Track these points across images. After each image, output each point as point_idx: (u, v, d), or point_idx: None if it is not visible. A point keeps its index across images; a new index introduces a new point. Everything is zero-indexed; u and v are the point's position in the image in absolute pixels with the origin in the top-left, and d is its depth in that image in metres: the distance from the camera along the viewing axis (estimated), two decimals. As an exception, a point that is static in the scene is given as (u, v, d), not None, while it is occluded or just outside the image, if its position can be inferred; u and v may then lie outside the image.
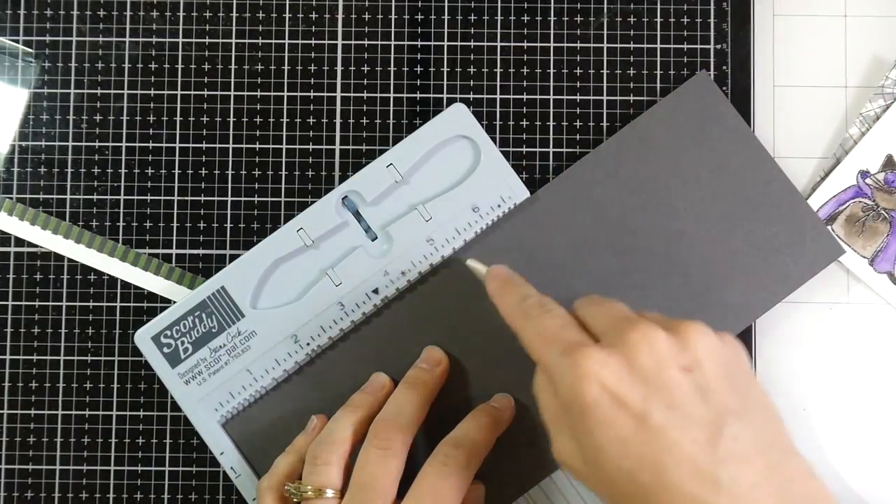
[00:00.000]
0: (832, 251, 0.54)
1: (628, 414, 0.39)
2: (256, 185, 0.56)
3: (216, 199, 0.56)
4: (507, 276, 0.49)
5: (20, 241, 0.56)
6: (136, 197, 0.56)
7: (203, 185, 0.56)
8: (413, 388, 0.51)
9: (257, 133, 0.56)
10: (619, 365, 0.40)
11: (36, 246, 0.56)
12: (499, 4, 0.57)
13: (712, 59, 0.56)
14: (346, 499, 0.47)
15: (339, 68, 0.57)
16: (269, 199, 0.56)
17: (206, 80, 0.57)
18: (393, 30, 0.57)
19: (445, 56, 0.57)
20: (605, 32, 0.57)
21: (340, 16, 0.57)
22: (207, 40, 0.57)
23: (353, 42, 0.57)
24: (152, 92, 0.57)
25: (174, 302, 0.55)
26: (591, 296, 0.46)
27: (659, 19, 0.57)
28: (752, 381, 0.42)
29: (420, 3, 0.57)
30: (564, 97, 0.57)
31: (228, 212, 0.56)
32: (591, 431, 0.39)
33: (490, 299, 0.48)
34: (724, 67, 0.56)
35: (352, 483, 0.47)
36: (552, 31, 0.57)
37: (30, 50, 0.57)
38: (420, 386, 0.51)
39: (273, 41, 0.57)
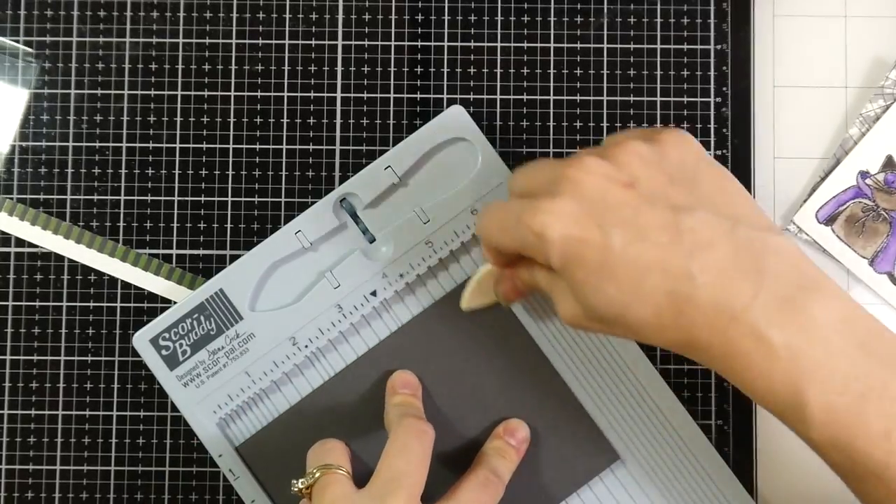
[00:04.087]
0: (609, 457, 0.53)
1: (593, 247, 0.41)
2: (256, 186, 0.56)
3: (216, 199, 0.56)
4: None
5: (20, 241, 0.56)
6: (136, 197, 0.56)
7: (203, 185, 0.56)
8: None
9: (257, 133, 0.57)
10: (569, 206, 0.41)
11: (36, 246, 0.56)
12: (499, 4, 0.57)
13: (712, 59, 0.56)
14: (368, 487, 0.46)
15: (339, 68, 0.57)
16: (269, 199, 0.56)
17: (206, 80, 0.57)
18: (393, 30, 0.57)
19: (445, 56, 0.57)
20: (605, 32, 0.57)
21: (340, 16, 0.57)
22: (207, 40, 0.57)
23: (353, 42, 0.57)
24: (152, 92, 0.57)
25: (174, 302, 0.55)
26: (519, 168, 0.47)
27: (659, 19, 0.57)
28: (703, 169, 0.44)
29: (420, 4, 0.57)
30: (564, 97, 0.57)
31: (228, 212, 0.56)
32: (573, 273, 0.41)
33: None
34: (724, 67, 0.56)
35: (376, 474, 0.47)
36: (552, 32, 0.57)
37: (30, 50, 0.57)
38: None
39: (273, 41, 0.57)
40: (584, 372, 0.54)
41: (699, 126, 0.56)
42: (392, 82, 0.57)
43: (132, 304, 0.56)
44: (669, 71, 0.57)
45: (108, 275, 0.56)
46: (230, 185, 0.56)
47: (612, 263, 0.41)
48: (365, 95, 0.57)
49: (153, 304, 0.56)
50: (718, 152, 0.56)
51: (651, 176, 0.42)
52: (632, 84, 0.57)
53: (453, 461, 0.52)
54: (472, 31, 0.57)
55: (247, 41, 0.57)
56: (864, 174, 0.55)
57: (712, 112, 0.56)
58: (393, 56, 0.57)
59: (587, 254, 0.41)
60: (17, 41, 0.57)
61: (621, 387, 0.53)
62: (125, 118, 0.57)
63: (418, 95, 0.57)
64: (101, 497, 0.55)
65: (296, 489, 0.48)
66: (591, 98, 0.57)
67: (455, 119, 0.54)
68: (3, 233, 0.56)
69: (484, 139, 0.54)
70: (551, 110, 0.56)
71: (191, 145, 0.56)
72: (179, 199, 0.56)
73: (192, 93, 0.57)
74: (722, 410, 0.55)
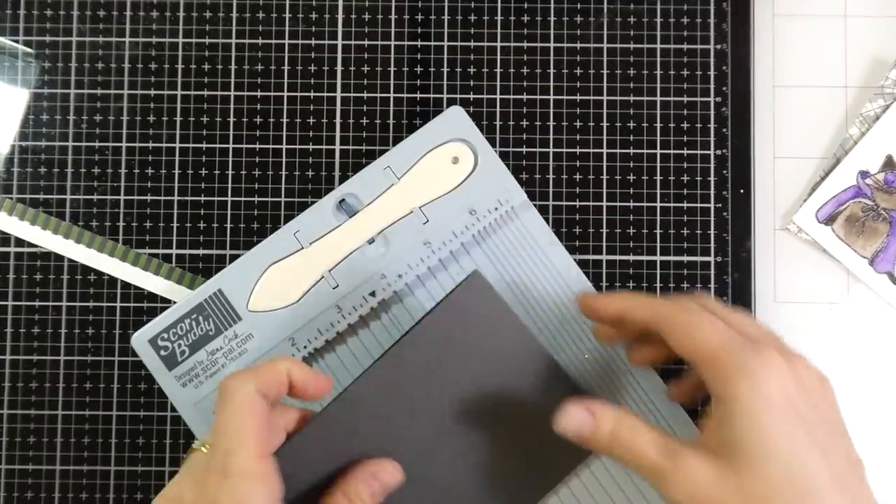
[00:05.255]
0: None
1: (798, 416, 0.42)
2: (256, 186, 0.56)
3: (216, 199, 0.56)
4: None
5: (20, 241, 0.56)
6: (136, 197, 0.56)
7: (203, 185, 0.56)
8: None
9: (257, 133, 0.57)
10: (793, 372, 0.43)
11: (36, 246, 0.56)
12: (499, 4, 0.57)
13: (712, 59, 0.56)
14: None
15: (339, 68, 0.57)
16: (269, 199, 0.56)
17: (206, 80, 0.57)
18: (393, 30, 0.57)
19: (445, 56, 0.57)
20: (605, 32, 0.57)
21: (340, 16, 0.57)
22: (207, 40, 0.57)
23: (353, 42, 0.57)
24: (152, 92, 0.57)
25: (174, 302, 0.55)
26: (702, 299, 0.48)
27: (659, 19, 0.57)
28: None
29: (420, 3, 0.57)
30: (564, 97, 0.57)
31: (228, 212, 0.56)
32: (766, 424, 0.41)
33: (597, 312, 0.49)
34: (724, 67, 0.56)
35: None
36: (552, 31, 0.57)
37: (30, 50, 0.57)
38: None
39: (273, 41, 0.57)
40: (591, 378, 0.53)
41: (699, 126, 0.56)
42: (392, 82, 0.57)
43: (132, 304, 0.56)
44: (669, 71, 0.56)
45: (108, 275, 0.56)
46: (230, 185, 0.56)
47: (806, 443, 0.42)
48: (365, 95, 0.57)
49: (153, 304, 0.56)
50: (718, 152, 0.56)
51: (830, 403, 0.44)
52: (632, 84, 0.56)
53: (461, 465, 0.51)
54: (472, 31, 0.57)
55: (247, 41, 0.57)
56: (864, 174, 0.55)
57: (712, 112, 0.56)
58: (393, 56, 0.57)
59: (791, 418, 0.42)
60: (17, 41, 0.57)
61: (626, 397, 0.53)
62: (125, 118, 0.57)
63: (418, 95, 0.57)
64: (101, 497, 0.55)
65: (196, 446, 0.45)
66: (591, 98, 0.56)
67: (454, 119, 0.54)
68: (3, 232, 0.56)
69: (483, 139, 0.54)
70: (551, 110, 0.56)
71: (191, 145, 0.56)
72: (179, 198, 0.56)
73: (192, 93, 0.57)
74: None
